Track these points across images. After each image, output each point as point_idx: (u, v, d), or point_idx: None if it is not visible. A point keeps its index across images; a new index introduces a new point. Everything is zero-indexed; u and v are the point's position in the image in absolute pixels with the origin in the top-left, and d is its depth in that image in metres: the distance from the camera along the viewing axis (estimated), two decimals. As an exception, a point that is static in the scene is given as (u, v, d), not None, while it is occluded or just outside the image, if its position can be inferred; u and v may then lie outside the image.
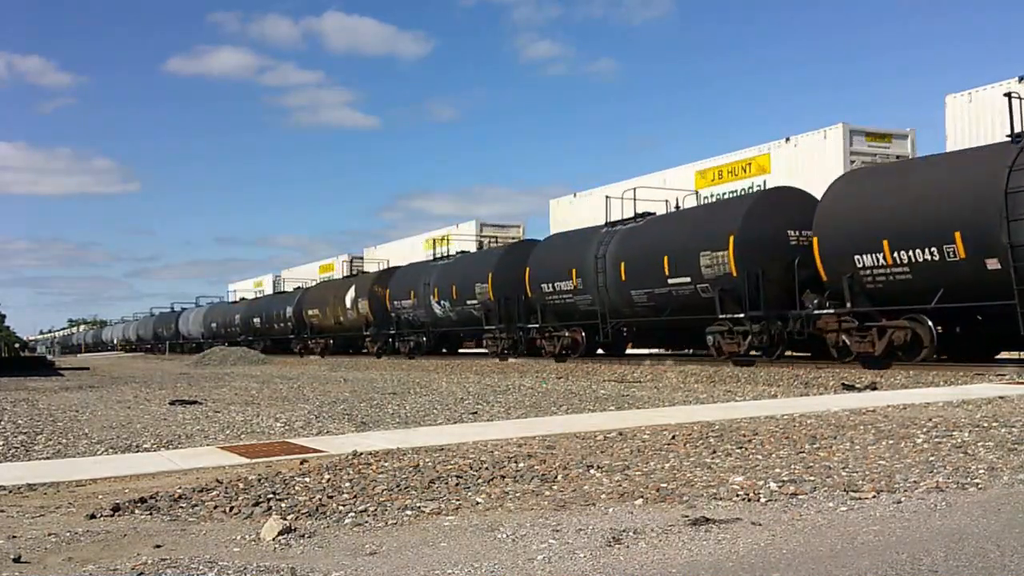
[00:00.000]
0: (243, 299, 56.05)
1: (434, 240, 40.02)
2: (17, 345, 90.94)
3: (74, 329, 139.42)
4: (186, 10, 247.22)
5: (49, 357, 58.18)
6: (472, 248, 35.15)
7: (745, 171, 24.09)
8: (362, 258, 47.13)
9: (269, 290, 58.12)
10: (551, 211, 32.95)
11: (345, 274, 46.99)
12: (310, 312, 40.20)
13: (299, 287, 47.39)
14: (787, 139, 23.11)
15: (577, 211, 30.60)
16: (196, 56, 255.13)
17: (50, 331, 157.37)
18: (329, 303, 37.95)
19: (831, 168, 20.30)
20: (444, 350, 31.96)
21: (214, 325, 55.73)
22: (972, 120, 18.31)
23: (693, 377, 15.59)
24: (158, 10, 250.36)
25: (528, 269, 24.51)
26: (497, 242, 33.40)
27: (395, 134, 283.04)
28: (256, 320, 48.31)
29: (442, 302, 28.65)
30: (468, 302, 27.23)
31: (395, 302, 32.03)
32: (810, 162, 21.76)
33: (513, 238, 33.79)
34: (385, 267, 37.49)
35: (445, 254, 31.53)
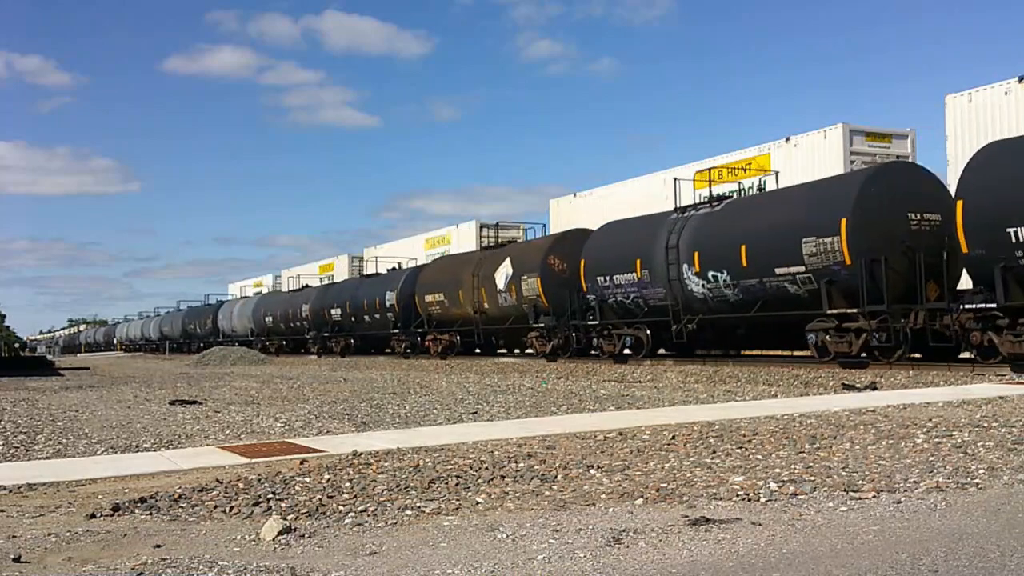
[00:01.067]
0: (307, 285, 44.35)
1: (434, 240, 40.13)
2: (17, 345, 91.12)
3: (79, 328, 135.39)
4: (184, 9, 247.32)
5: (49, 357, 58.25)
6: (471, 246, 34.44)
7: (745, 171, 24.12)
8: (362, 258, 47.13)
9: (269, 291, 55.40)
10: (551, 211, 33.02)
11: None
12: (430, 298, 28.96)
13: (394, 268, 35.32)
14: (787, 139, 23.16)
15: (577, 211, 30.66)
16: (195, 55, 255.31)
17: (50, 331, 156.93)
18: (464, 285, 27.14)
19: (831, 168, 20.34)
20: (660, 350, 21.35)
21: (269, 319, 45.21)
22: (972, 120, 18.33)
23: (693, 377, 15.58)
24: (157, 9, 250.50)
25: (961, 203, 13.82)
26: (498, 242, 29.33)
27: (395, 134, 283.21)
28: (335, 311, 36.75)
29: (710, 273, 18.12)
30: (778, 271, 16.51)
31: (599, 278, 21.47)
32: (810, 162, 21.79)
33: (513, 238, 31.56)
34: (570, 228, 26.46)
35: (702, 200, 20.31)
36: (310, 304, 39.82)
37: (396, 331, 32.01)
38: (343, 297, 36.60)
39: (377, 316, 33.30)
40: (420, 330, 30.13)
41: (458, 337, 28.65)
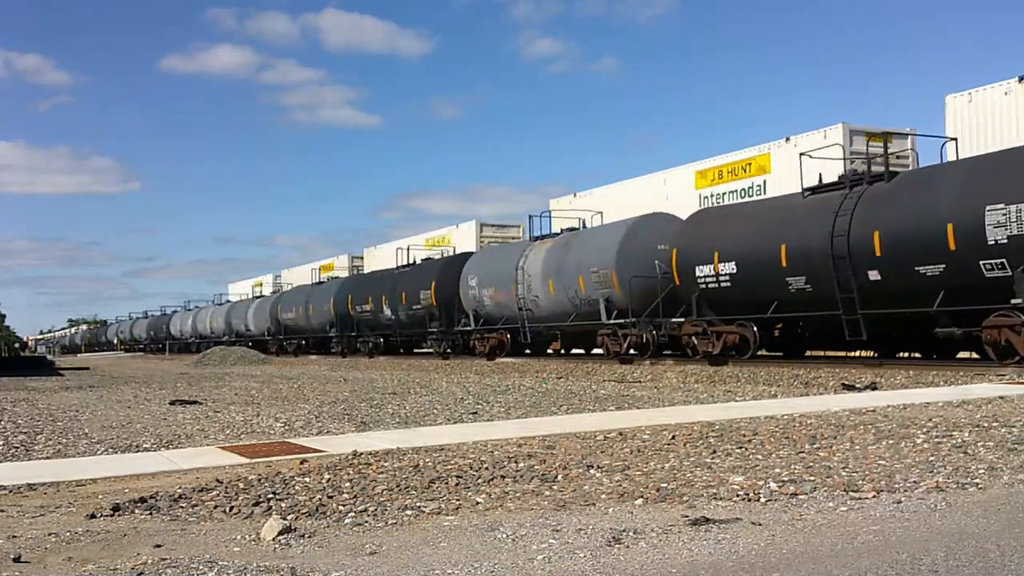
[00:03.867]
0: (575, 228, 25.57)
1: (434, 240, 40.09)
2: (16, 345, 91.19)
3: (85, 326, 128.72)
4: (183, 7, 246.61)
5: (49, 357, 58.30)
6: (471, 246, 34.32)
7: (745, 171, 24.12)
8: (362, 258, 47.07)
9: (268, 291, 53.37)
10: (551, 211, 33.02)
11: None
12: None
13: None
14: (787, 139, 23.14)
15: (578, 211, 30.64)
16: (194, 54, 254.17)
17: (50, 331, 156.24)
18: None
19: (831, 168, 20.29)
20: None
21: (545, 292, 23.54)
22: (972, 120, 18.33)
23: (693, 377, 15.58)
24: (155, 8, 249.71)
25: None
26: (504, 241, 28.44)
27: (396, 133, 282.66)
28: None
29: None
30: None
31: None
32: (810, 162, 21.75)
33: (513, 238, 31.18)
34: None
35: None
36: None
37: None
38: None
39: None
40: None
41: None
